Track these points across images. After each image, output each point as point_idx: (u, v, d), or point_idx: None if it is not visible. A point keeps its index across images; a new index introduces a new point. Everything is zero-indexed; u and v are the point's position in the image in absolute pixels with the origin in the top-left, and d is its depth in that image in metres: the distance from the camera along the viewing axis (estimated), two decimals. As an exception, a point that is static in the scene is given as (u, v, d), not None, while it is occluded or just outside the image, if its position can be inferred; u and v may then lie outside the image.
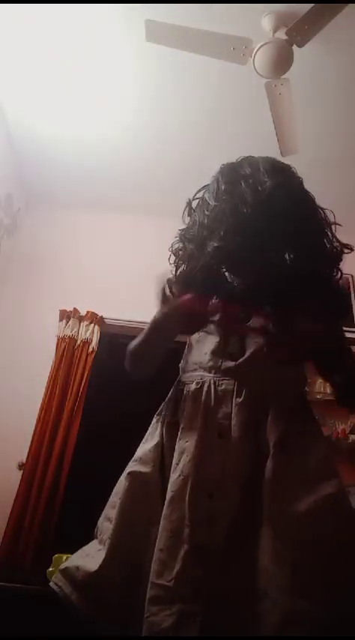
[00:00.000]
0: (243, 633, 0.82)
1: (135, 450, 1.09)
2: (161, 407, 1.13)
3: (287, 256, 0.98)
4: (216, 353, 1.05)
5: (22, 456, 2.86)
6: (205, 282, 1.06)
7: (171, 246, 1.16)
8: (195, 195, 1.17)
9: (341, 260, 1.08)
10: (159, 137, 3.13)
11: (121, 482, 1.04)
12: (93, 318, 3.25)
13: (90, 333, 3.21)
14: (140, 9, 2.34)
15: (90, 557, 0.98)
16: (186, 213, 1.17)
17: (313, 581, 0.82)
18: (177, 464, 0.96)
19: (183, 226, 1.17)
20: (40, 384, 3.05)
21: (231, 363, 1.03)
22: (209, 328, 1.08)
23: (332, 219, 1.10)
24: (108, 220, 3.72)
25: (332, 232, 1.08)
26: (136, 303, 3.27)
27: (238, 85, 2.68)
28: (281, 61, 2.32)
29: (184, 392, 1.06)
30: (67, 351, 3.12)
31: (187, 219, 1.16)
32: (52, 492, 2.72)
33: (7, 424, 2.96)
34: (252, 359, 1.02)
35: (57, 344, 3.18)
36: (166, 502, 0.93)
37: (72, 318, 3.23)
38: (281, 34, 2.29)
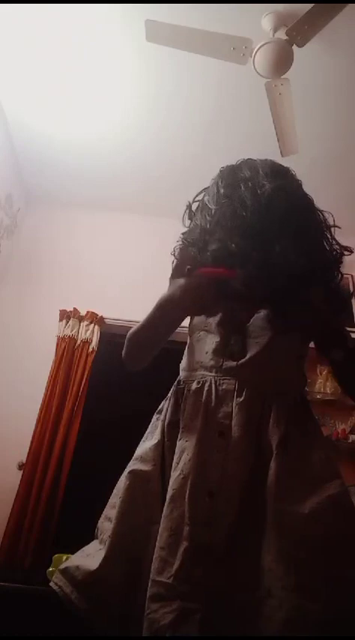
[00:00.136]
0: (246, 632, 0.82)
1: (135, 450, 1.09)
2: (161, 406, 1.13)
3: (287, 258, 0.98)
4: (217, 352, 1.05)
5: (22, 456, 2.86)
6: None
7: (173, 250, 1.15)
8: (195, 197, 1.17)
9: (341, 262, 1.08)
10: (158, 137, 3.13)
11: (121, 482, 1.04)
12: (93, 318, 3.25)
13: (90, 333, 3.21)
14: (140, 9, 2.34)
15: (90, 557, 0.98)
16: (186, 216, 1.17)
17: (318, 580, 0.83)
18: (178, 463, 0.97)
19: (183, 228, 1.17)
20: (40, 384, 3.05)
21: (232, 363, 1.03)
22: (210, 327, 1.08)
23: (331, 222, 1.10)
24: (108, 220, 3.72)
25: (331, 234, 1.09)
26: (136, 303, 3.27)
27: (238, 85, 2.68)
28: (281, 61, 2.32)
29: (185, 391, 1.07)
30: (67, 351, 3.13)
31: (187, 222, 1.16)
32: (52, 492, 2.72)
33: (7, 424, 2.96)
34: (253, 358, 1.02)
35: (57, 344, 3.18)
36: (167, 501, 0.94)
37: (72, 318, 3.23)
38: (281, 34, 2.29)
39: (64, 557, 2.01)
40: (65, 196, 3.70)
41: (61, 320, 3.25)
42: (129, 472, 1.04)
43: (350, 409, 3.01)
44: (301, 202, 1.09)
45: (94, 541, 1.03)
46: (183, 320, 1.09)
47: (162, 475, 1.01)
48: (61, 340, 3.18)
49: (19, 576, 2.35)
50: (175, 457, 0.98)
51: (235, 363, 1.03)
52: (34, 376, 3.09)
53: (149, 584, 0.88)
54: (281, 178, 1.08)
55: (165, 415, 1.08)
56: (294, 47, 2.30)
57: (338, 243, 1.08)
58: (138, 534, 0.97)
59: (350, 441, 2.88)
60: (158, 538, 0.91)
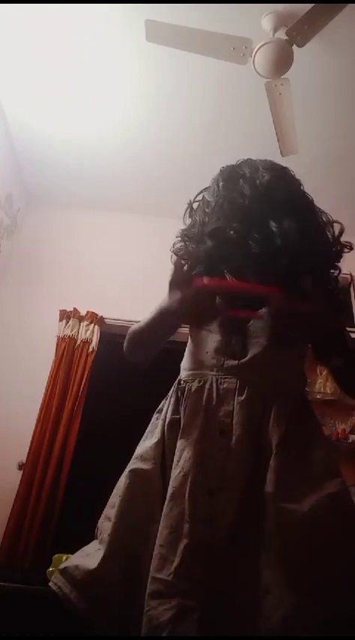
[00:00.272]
0: (245, 630, 0.83)
1: (135, 450, 1.09)
2: (161, 405, 1.13)
3: (285, 244, 0.98)
4: (218, 351, 1.05)
5: (22, 456, 2.86)
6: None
7: (172, 246, 1.16)
8: (196, 197, 1.18)
9: (341, 257, 1.08)
10: (158, 137, 3.13)
11: (121, 481, 1.04)
12: (93, 318, 3.25)
13: (90, 333, 3.21)
14: (140, 9, 2.35)
15: (89, 556, 0.98)
16: (186, 215, 1.18)
17: (317, 579, 0.83)
18: (179, 460, 0.97)
19: (184, 227, 1.17)
20: (40, 384, 3.05)
21: (233, 362, 1.03)
22: (211, 327, 1.08)
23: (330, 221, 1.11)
24: (108, 220, 3.72)
25: (330, 230, 1.09)
26: (136, 303, 3.27)
27: (238, 85, 2.68)
28: (281, 61, 2.32)
29: (186, 390, 1.07)
30: (67, 351, 3.13)
31: (188, 221, 1.17)
32: (52, 492, 2.72)
33: (7, 424, 2.96)
34: (254, 358, 1.02)
35: (57, 344, 3.18)
36: (167, 498, 0.94)
37: (72, 318, 3.24)
38: (281, 34, 2.30)
39: (64, 557, 2.01)
40: (65, 196, 3.70)
41: (61, 320, 3.25)
42: (129, 471, 1.04)
43: (350, 409, 3.01)
44: (300, 194, 1.11)
45: (94, 541, 1.03)
46: (179, 326, 1.11)
47: (163, 474, 1.01)
48: (61, 340, 3.18)
49: (19, 576, 2.35)
50: (176, 455, 0.98)
51: (236, 362, 1.03)
52: (34, 376, 3.09)
53: (149, 581, 0.88)
54: (281, 174, 1.10)
55: (166, 414, 1.08)
56: (294, 47, 2.30)
57: (336, 239, 1.09)
58: (137, 533, 0.97)
59: (350, 441, 2.88)
60: (158, 536, 0.91)
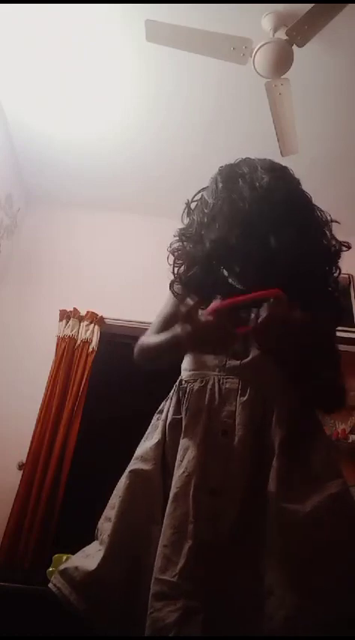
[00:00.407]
0: (248, 631, 0.82)
1: (135, 450, 1.09)
2: (161, 406, 1.13)
3: (284, 250, 0.98)
4: None
5: (22, 456, 2.86)
6: (204, 280, 1.06)
7: (170, 246, 1.16)
8: (194, 196, 1.18)
9: (339, 257, 1.08)
10: (158, 137, 3.13)
11: (122, 482, 1.04)
12: (93, 318, 3.25)
13: (90, 333, 3.21)
14: (140, 9, 2.34)
15: (89, 557, 0.98)
16: (185, 214, 1.18)
17: (319, 579, 0.83)
18: (181, 461, 0.97)
19: (183, 226, 1.17)
20: (40, 384, 3.05)
21: (235, 362, 1.03)
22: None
23: (329, 219, 1.11)
24: (108, 220, 3.72)
25: (329, 230, 1.09)
26: (136, 303, 3.30)
27: (238, 85, 2.68)
28: (281, 61, 2.32)
29: (187, 390, 1.07)
30: (67, 351, 3.12)
31: (186, 221, 1.17)
32: (52, 492, 2.72)
33: (7, 424, 2.96)
34: (256, 358, 1.02)
35: (57, 344, 3.18)
36: (170, 499, 0.94)
37: (72, 318, 3.23)
38: (281, 34, 2.29)
39: (64, 557, 2.01)
40: (65, 196, 3.69)
41: (61, 320, 3.25)
42: (129, 472, 1.04)
43: (350, 409, 3.01)
44: (299, 195, 1.11)
45: (94, 542, 1.03)
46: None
47: (163, 474, 1.01)
48: (61, 340, 3.18)
49: (19, 576, 2.35)
50: (178, 455, 0.98)
51: (238, 362, 1.03)
52: (34, 376, 3.09)
53: (152, 582, 0.88)
54: (280, 173, 1.10)
55: (167, 415, 1.08)
56: (294, 47, 2.29)
57: (335, 239, 1.09)
58: (138, 533, 0.96)
59: (350, 441, 2.88)
60: (161, 536, 0.91)
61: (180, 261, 1.13)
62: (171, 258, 1.16)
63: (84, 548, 1.03)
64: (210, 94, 2.81)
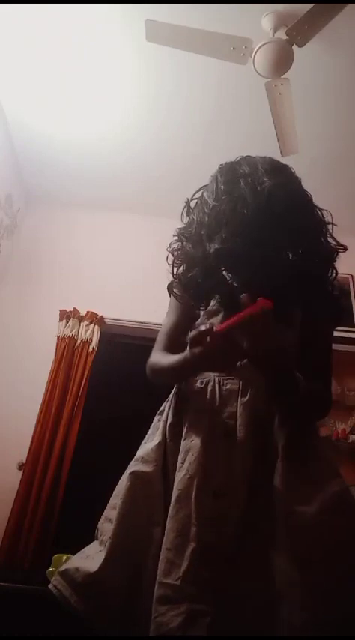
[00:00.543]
0: (256, 634, 0.81)
1: (135, 450, 1.09)
2: (162, 407, 1.13)
3: (286, 255, 0.98)
4: None
5: (22, 456, 2.86)
6: (204, 281, 1.06)
7: (169, 246, 1.16)
8: (194, 195, 1.17)
9: (335, 259, 1.08)
10: (158, 137, 3.13)
11: (122, 483, 1.04)
12: (93, 318, 3.25)
13: (90, 333, 3.20)
14: (140, 9, 2.34)
15: (90, 558, 0.98)
16: (184, 213, 1.17)
17: (330, 581, 0.82)
18: (183, 462, 0.96)
19: (182, 226, 1.17)
20: (40, 384, 3.05)
21: None
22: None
23: (328, 220, 1.11)
24: (108, 220, 3.72)
25: (328, 232, 1.09)
26: (136, 303, 3.31)
27: (238, 85, 2.68)
28: (281, 61, 2.32)
29: (188, 391, 1.06)
30: (67, 351, 3.12)
31: (186, 219, 1.16)
32: (52, 492, 2.72)
33: (7, 424, 2.96)
34: None
35: (57, 344, 3.18)
36: (172, 501, 0.93)
37: (72, 318, 3.23)
38: (281, 34, 2.29)
39: (64, 557, 2.01)
40: (65, 196, 3.69)
41: (61, 320, 3.25)
42: (130, 473, 1.03)
43: (350, 409, 3.01)
44: (300, 199, 1.10)
45: (94, 542, 1.02)
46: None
47: (164, 476, 1.00)
48: (61, 340, 3.18)
49: (19, 576, 2.35)
50: (180, 457, 0.98)
51: (239, 362, 1.03)
52: (34, 376, 3.09)
53: (155, 586, 0.87)
54: (281, 175, 1.09)
55: (167, 416, 1.08)
56: (294, 47, 2.29)
57: (335, 240, 1.09)
58: (139, 536, 0.96)
59: (350, 441, 2.88)
60: (164, 539, 0.91)
61: (180, 262, 1.13)
62: (171, 257, 1.16)
63: (84, 549, 1.03)
64: (210, 94, 2.81)
